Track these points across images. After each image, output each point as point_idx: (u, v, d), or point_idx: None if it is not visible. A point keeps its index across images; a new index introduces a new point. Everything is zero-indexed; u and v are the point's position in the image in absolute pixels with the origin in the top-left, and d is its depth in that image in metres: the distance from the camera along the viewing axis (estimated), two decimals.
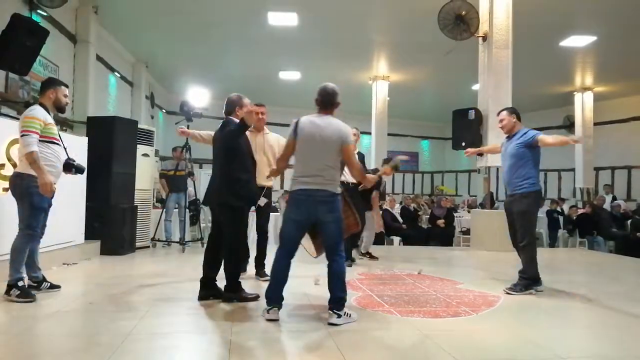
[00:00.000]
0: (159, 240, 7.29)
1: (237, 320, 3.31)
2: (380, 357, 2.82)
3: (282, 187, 15.96)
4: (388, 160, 6.48)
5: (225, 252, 3.80)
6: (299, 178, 3.33)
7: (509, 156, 4.53)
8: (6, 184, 4.11)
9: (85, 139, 5.97)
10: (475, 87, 8.91)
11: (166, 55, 11.85)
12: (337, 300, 3.28)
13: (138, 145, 6.81)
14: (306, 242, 3.56)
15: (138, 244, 6.68)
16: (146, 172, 7.14)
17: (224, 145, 3.80)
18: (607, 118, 14.36)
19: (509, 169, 4.51)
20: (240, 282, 3.85)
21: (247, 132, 4.02)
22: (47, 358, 2.62)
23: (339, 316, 3.24)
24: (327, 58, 11.35)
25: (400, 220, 9.91)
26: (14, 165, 4.21)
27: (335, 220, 3.33)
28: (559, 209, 11.50)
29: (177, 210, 7.79)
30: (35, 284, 3.91)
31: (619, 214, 10.48)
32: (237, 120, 3.77)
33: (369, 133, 13.42)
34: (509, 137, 4.64)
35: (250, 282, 4.54)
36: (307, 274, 4.48)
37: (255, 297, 3.81)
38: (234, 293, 3.77)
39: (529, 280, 4.38)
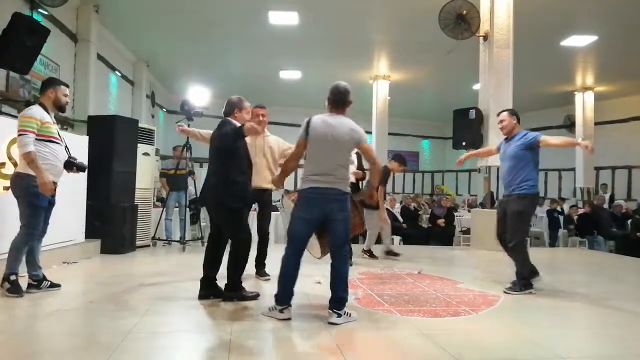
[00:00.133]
0: (159, 239, 7.30)
1: (237, 320, 3.31)
2: (380, 356, 2.82)
3: (282, 187, 15.97)
4: (398, 157, 6.51)
5: (230, 252, 3.80)
6: (310, 176, 3.32)
7: (508, 158, 4.52)
8: (7, 183, 4.12)
9: (86, 138, 5.97)
10: (476, 86, 8.91)
11: (167, 54, 11.86)
12: (338, 300, 3.28)
13: (139, 144, 6.81)
14: (311, 242, 3.56)
15: (138, 243, 6.69)
16: (147, 171, 7.14)
17: (220, 146, 3.80)
18: (607, 118, 14.36)
19: (508, 170, 4.51)
20: (241, 281, 3.85)
21: None
22: (47, 357, 2.63)
23: (339, 315, 3.24)
24: (327, 57, 11.35)
25: (401, 219, 9.91)
26: (15, 164, 4.22)
27: (345, 219, 3.35)
28: (559, 208, 11.50)
29: (177, 209, 7.79)
30: (36, 283, 3.92)
31: (619, 213, 10.47)
32: (235, 122, 3.77)
33: (370, 132, 13.41)
34: (508, 139, 4.64)
35: (250, 282, 4.55)
36: (307, 274, 4.47)
37: (256, 296, 3.81)
38: (235, 292, 3.77)
39: (525, 280, 4.39)
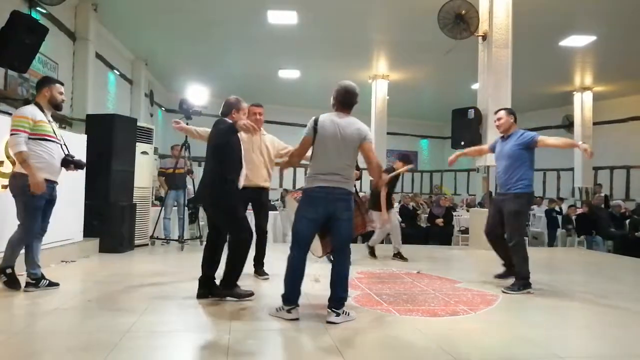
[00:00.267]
0: (157, 238, 7.29)
1: (235, 319, 3.31)
2: (379, 355, 2.82)
3: (281, 186, 15.99)
4: (404, 158, 6.48)
5: (229, 251, 3.79)
6: (317, 176, 3.32)
7: (505, 156, 4.53)
8: (5, 181, 4.12)
9: (85, 137, 5.96)
10: (475, 86, 8.92)
11: (166, 53, 11.84)
12: (337, 300, 3.28)
13: (137, 143, 6.80)
14: (314, 242, 3.55)
15: (137, 242, 6.68)
16: (145, 170, 7.13)
17: (216, 144, 3.81)
18: (606, 118, 14.38)
19: (505, 169, 4.52)
20: (236, 281, 3.84)
21: (243, 133, 4.03)
22: (46, 356, 2.62)
23: (338, 315, 3.24)
24: (326, 57, 11.35)
25: (399, 219, 9.90)
26: (13, 163, 4.21)
27: (349, 219, 3.35)
28: (557, 208, 11.51)
29: (176, 208, 7.79)
30: (34, 281, 3.92)
31: (618, 213, 10.49)
32: (229, 121, 3.77)
33: None
34: (504, 138, 4.65)
35: (249, 281, 4.54)
36: (306, 272, 4.47)
37: (250, 294, 3.79)
38: (229, 290, 3.75)
39: (525, 280, 4.40)
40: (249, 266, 4.78)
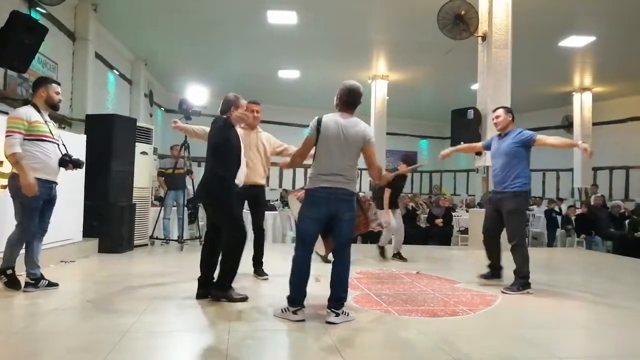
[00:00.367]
0: (157, 239, 7.29)
1: (234, 319, 3.30)
2: (378, 356, 2.83)
3: (281, 186, 15.98)
4: (408, 159, 6.49)
5: (224, 251, 3.78)
6: (320, 176, 3.31)
7: (502, 154, 4.54)
8: (5, 182, 4.12)
9: (84, 137, 5.96)
10: (475, 86, 8.92)
11: (165, 53, 11.84)
12: (337, 300, 3.28)
13: (137, 143, 6.80)
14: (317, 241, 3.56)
15: (136, 242, 6.68)
16: (145, 170, 7.13)
17: (214, 142, 3.82)
18: (605, 118, 14.38)
19: (502, 167, 4.52)
20: (231, 282, 3.83)
21: (241, 130, 4.02)
22: (45, 356, 2.62)
23: (337, 315, 3.24)
24: (326, 57, 11.35)
25: None
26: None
27: (351, 219, 3.36)
28: (557, 208, 11.52)
29: (175, 208, 7.79)
30: (33, 282, 3.92)
31: (617, 214, 10.49)
32: (225, 117, 3.78)
33: None
34: (501, 136, 4.66)
35: (248, 281, 4.55)
36: None
37: (244, 299, 3.75)
38: (223, 292, 3.74)
39: (525, 279, 4.40)
40: (248, 266, 4.80)
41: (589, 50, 10.35)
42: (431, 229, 9.86)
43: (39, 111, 3.86)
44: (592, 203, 11.29)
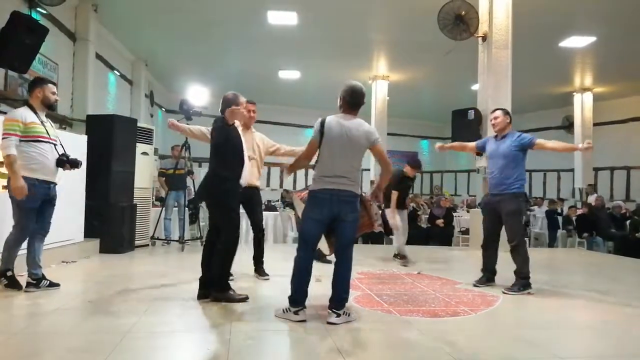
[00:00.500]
0: (158, 239, 7.29)
1: (235, 320, 3.30)
2: (379, 356, 2.82)
3: (281, 187, 15.99)
4: (414, 161, 6.48)
5: (218, 251, 3.78)
6: (323, 178, 3.31)
7: (501, 156, 4.55)
8: (5, 182, 4.13)
9: (85, 137, 5.96)
10: (475, 87, 8.92)
11: (166, 53, 11.84)
12: (339, 300, 3.28)
13: (137, 144, 6.81)
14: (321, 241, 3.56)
15: (137, 243, 6.68)
16: (145, 171, 7.14)
17: (214, 143, 3.83)
18: (606, 119, 14.38)
19: (500, 169, 4.53)
20: (229, 283, 3.83)
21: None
22: (46, 356, 2.62)
23: (338, 315, 3.23)
24: (326, 57, 11.35)
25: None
26: None
27: (354, 221, 3.35)
28: (558, 209, 11.51)
29: (176, 208, 7.79)
30: (35, 282, 3.93)
31: (618, 214, 10.49)
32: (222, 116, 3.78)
33: None
34: (497, 138, 4.67)
35: (249, 281, 4.55)
36: None
37: (244, 299, 3.75)
38: (222, 293, 3.73)
39: (526, 280, 4.40)
40: (249, 267, 4.81)
41: (590, 50, 10.35)
42: (432, 230, 9.85)
43: (35, 112, 3.87)
44: (593, 203, 11.27)
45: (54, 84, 4.07)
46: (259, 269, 4.79)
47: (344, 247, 3.36)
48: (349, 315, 3.30)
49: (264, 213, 5.85)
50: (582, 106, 13.62)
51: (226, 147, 3.77)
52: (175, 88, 14.40)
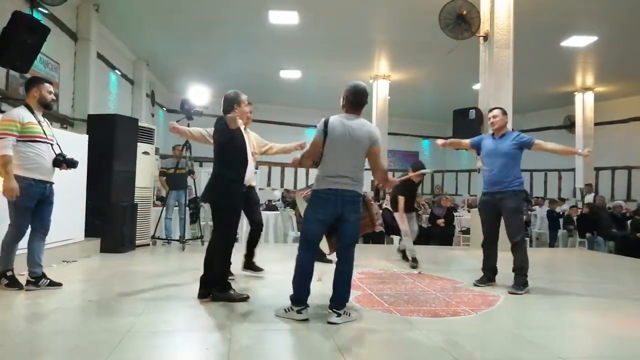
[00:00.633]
0: (159, 238, 7.30)
1: (236, 319, 3.31)
2: (380, 356, 2.82)
3: (282, 186, 15.99)
4: (417, 166, 6.46)
5: (216, 251, 3.78)
6: (327, 177, 3.30)
7: (501, 154, 4.56)
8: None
9: (86, 137, 5.97)
10: (476, 86, 8.90)
11: (167, 53, 11.85)
12: (340, 300, 3.28)
13: (138, 143, 6.81)
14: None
15: (138, 242, 6.69)
16: (146, 170, 7.14)
17: (215, 143, 3.84)
18: (607, 118, 14.35)
19: (500, 167, 4.54)
20: (229, 282, 3.84)
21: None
22: (47, 356, 2.62)
23: (339, 315, 3.23)
24: (327, 57, 11.35)
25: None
26: None
27: (356, 220, 3.36)
28: (559, 210, 11.49)
29: (177, 208, 7.80)
30: (34, 280, 3.93)
31: (619, 214, 10.47)
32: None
33: None
34: (495, 137, 4.69)
35: (248, 282, 4.55)
36: None
37: (245, 298, 3.75)
38: (222, 293, 3.73)
39: (526, 277, 4.41)
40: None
41: (591, 50, 10.33)
42: (433, 229, 9.83)
43: (32, 111, 3.88)
44: (595, 203, 11.25)
45: (50, 83, 4.07)
46: (251, 264, 4.79)
47: (346, 247, 3.36)
48: (349, 315, 3.30)
49: (264, 213, 5.86)
50: (584, 106, 13.59)
51: (229, 147, 3.77)
52: (177, 88, 14.40)
